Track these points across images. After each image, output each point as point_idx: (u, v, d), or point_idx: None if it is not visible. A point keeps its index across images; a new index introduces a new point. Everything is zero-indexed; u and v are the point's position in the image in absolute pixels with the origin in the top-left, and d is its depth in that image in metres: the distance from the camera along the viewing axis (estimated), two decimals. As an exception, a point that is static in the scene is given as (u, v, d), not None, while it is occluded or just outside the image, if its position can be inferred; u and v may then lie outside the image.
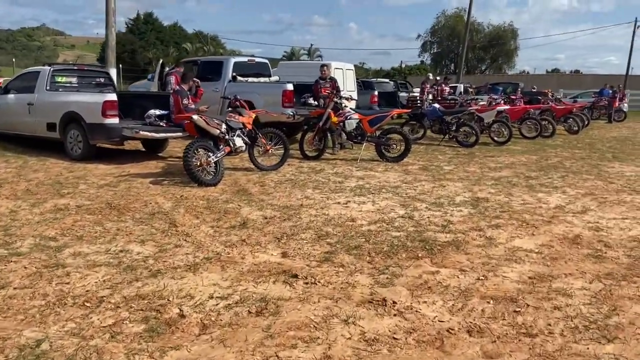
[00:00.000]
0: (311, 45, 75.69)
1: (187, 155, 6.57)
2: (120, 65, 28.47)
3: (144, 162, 8.34)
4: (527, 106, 14.79)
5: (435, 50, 54.13)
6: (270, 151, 7.90)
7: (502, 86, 24.84)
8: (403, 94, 17.90)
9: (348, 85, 13.57)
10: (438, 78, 19.47)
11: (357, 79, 17.46)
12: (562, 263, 4.29)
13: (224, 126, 7.23)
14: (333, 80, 10.16)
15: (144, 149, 9.56)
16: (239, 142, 7.41)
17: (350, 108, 9.31)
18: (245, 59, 11.64)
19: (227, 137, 7.22)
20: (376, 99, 14.71)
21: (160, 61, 11.21)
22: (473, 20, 48.59)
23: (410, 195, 6.64)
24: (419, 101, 16.51)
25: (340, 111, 9.11)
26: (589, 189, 7.45)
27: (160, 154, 9.22)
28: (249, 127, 7.60)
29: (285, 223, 5.16)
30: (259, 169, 7.91)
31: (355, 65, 15.42)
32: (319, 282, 3.65)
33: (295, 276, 3.74)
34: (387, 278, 3.78)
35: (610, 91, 24.02)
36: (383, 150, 9.25)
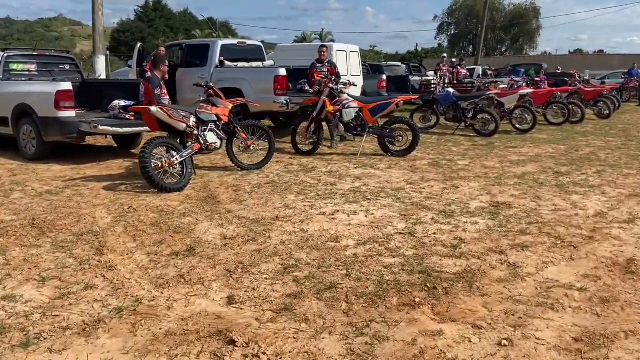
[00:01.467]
0: (322, 29, 73.63)
1: (143, 156, 5.45)
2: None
3: (108, 162, 7.25)
4: (553, 89, 13.33)
5: (452, 32, 52.10)
6: (252, 147, 6.74)
7: (524, 67, 23.25)
8: (416, 78, 16.51)
9: (353, 69, 12.30)
10: (454, 60, 18.00)
11: (364, 62, 16.18)
12: (618, 310, 3.07)
13: (192, 119, 6.07)
14: (332, 64, 8.92)
15: (116, 145, 8.48)
16: (211, 137, 6.26)
17: (349, 95, 8.06)
18: (234, 42, 10.45)
19: (196, 132, 6.07)
20: (384, 84, 13.40)
21: (139, 45, 10.06)
22: (492, -1, 46.65)
23: (414, 201, 5.43)
24: (433, 86, 15.16)
25: (337, 99, 7.88)
26: (633, 188, 6.15)
27: (132, 151, 8.12)
28: (225, 119, 6.44)
29: (248, 246, 4.01)
30: (240, 168, 6.77)
31: (367, 49, 14.15)
32: (264, 353, 2.50)
33: (233, 342, 2.58)
34: (366, 344, 2.61)
35: (640, 71, 22.28)
36: (387, 143, 8.02)
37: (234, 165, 6.77)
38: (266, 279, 3.38)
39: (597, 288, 3.39)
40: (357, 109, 7.86)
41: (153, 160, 5.57)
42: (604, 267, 3.76)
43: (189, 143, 6.02)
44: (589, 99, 14.73)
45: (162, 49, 9.92)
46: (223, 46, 9.94)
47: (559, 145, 9.60)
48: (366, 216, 4.89)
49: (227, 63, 9.73)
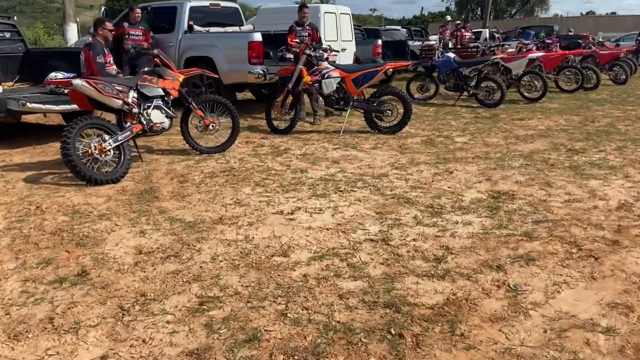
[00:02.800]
0: (322, -8, 70.95)
1: (65, 141, 4.47)
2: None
3: (49, 144, 6.28)
4: (566, 52, 12.09)
5: (459, -6, 49.86)
6: (211, 126, 5.73)
7: (534, 30, 21.81)
8: (416, 43, 15.26)
9: (344, 33, 11.10)
10: (458, 22, 16.65)
11: (359, 26, 14.97)
12: (665, 372, 2.11)
13: (132, 94, 5.06)
14: (313, 27, 7.79)
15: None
16: (156, 116, 5.25)
17: (329, 63, 6.97)
18: (206, 3, 9.26)
19: (136, 110, 5.07)
20: (380, 50, 12.23)
21: (102, 8, 8.93)
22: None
23: (396, 193, 4.44)
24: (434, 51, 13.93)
25: (315, 67, 6.81)
26: (663, 170, 5.13)
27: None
28: (174, 93, 5.42)
29: (165, 266, 3.05)
30: (198, 151, 5.79)
31: (366, 14, 12.89)
32: None
33: None
34: None
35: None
36: (374, 119, 6.98)
37: (191, 148, 5.78)
38: (167, 323, 2.43)
39: (629, 328, 2.43)
40: (339, 79, 6.79)
41: (80, 146, 4.60)
42: (635, 290, 2.80)
43: (128, 124, 5.03)
44: (605, 62, 13.47)
45: (138, 10, 8.66)
46: (192, 8, 8.80)
47: (572, 116, 8.50)
48: (333, 215, 3.91)
49: (196, 28, 8.61)
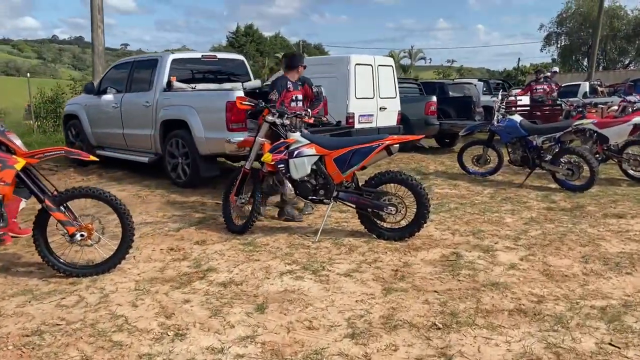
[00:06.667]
0: (412, 46, 68.56)
1: None
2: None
3: None
4: (694, 112, 8.82)
5: (562, 43, 45.56)
6: (78, 235, 3.66)
7: (650, 82, 18.02)
8: (488, 98, 12.59)
9: (383, 89, 8.90)
10: (549, 73, 13.69)
11: (415, 80, 12.73)
12: None
13: None
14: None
15: None
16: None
17: (303, 134, 4.74)
18: (196, 55, 7.52)
19: None
20: (434, 108, 9.84)
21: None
22: (612, 4, 40.04)
23: None
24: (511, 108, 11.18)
25: (281, 141, 4.62)
26: None
27: None
28: (7, 194, 3.48)
29: None
30: (60, 271, 3.75)
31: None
32: None
33: None
34: None
35: None
36: (373, 217, 4.61)
37: (49, 265, 3.75)
38: None
39: None
40: (316, 159, 4.54)
41: None
42: None
43: None
44: None
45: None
46: (175, 61, 7.08)
47: None
48: None
49: (176, 84, 6.85)
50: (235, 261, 4.10)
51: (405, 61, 55.51)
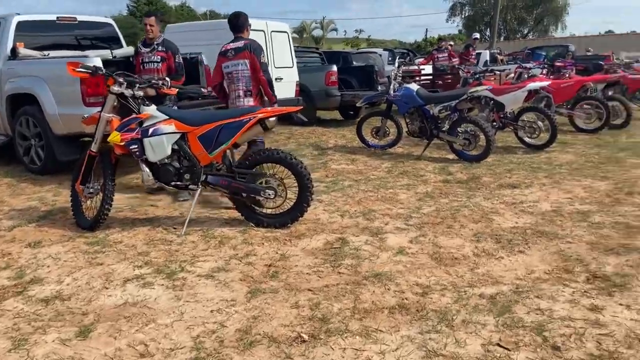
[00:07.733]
0: (323, 17, 67.96)
1: None
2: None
3: None
4: (584, 78, 8.99)
5: (466, 14, 46.92)
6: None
7: (546, 50, 18.74)
8: (390, 68, 12.32)
9: (279, 57, 8.24)
10: (452, 43, 13.60)
11: (317, 49, 12.20)
12: None
13: None
14: (168, 49, 4.89)
15: None
16: None
17: (160, 108, 4.02)
18: (51, 17, 6.41)
19: None
20: (334, 78, 9.34)
21: None
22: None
23: None
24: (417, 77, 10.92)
25: (132, 117, 3.86)
26: None
27: None
28: None
29: None
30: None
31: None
32: None
33: None
34: None
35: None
36: (250, 203, 4.01)
37: None
38: None
39: None
40: (177, 137, 3.83)
41: None
42: None
43: None
44: (635, 90, 10.38)
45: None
46: (22, 24, 5.97)
47: (596, 181, 5.42)
48: None
49: (23, 51, 5.77)
50: (71, 267, 3.35)
51: (318, 32, 54.85)
